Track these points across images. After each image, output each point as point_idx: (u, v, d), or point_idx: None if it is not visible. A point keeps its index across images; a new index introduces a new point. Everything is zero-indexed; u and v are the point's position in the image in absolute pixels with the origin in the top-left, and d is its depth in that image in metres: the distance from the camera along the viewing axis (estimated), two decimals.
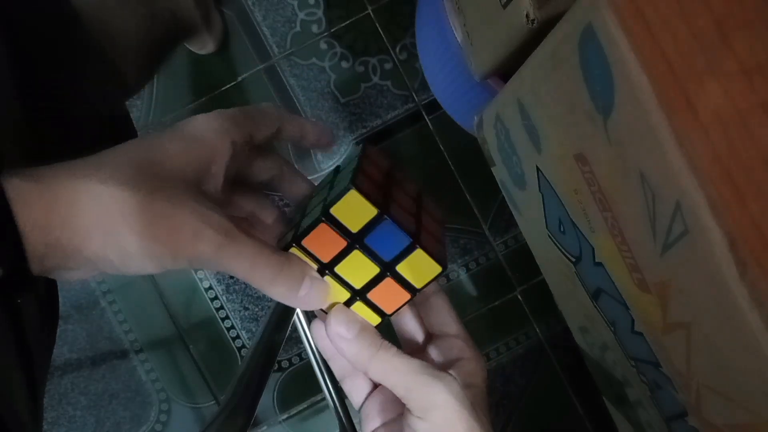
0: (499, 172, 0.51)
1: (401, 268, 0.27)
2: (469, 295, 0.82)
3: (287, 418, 0.83)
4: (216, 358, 0.82)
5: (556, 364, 0.83)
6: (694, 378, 0.30)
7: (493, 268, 0.82)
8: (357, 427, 0.53)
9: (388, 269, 0.27)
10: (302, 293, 0.26)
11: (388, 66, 0.79)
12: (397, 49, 0.79)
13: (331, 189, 0.27)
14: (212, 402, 0.83)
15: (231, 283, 0.81)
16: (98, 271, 0.23)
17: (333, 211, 0.25)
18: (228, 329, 0.82)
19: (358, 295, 0.27)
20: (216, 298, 0.82)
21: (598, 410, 0.62)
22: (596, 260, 0.36)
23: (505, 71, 0.45)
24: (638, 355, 0.37)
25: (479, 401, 0.27)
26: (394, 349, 0.27)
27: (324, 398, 0.83)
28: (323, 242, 0.26)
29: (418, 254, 0.26)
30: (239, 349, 0.83)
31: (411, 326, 0.31)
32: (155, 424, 0.84)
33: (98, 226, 0.22)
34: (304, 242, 0.26)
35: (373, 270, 0.27)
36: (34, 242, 0.21)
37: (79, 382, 0.83)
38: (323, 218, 0.25)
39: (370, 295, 0.27)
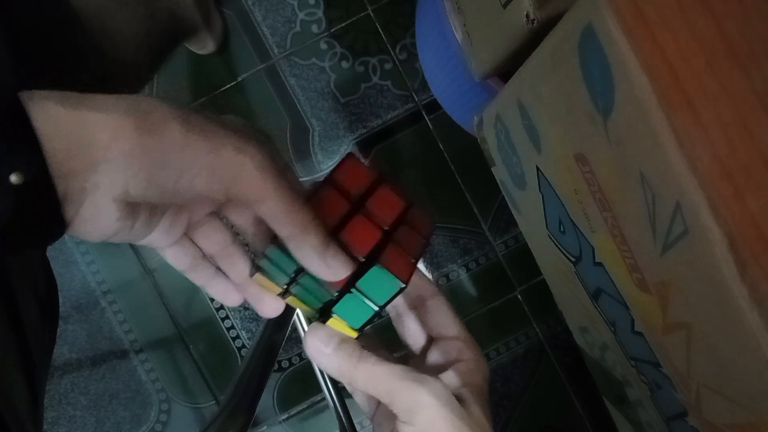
0: (499, 172, 0.51)
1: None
2: (469, 295, 0.82)
3: (287, 418, 0.83)
4: (216, 358, 0.82)
5: (556, 364, 0.83)
6: (694, 378, 0.30)
7: (493, 268, 0.82)
8: (357, 426, 0.53)
9: (350, 286, 0.26)
10: (332, 252, 0.25)
11: (388, 66, 0.79)
12: (397, 49, 0.79)
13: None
14: (212, 402, 0.83)
15: None
16: (126, 218, 0.22)
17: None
18: (228, 329, 0.82)
19: (326, 311, 0.27)
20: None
21: (598, 410, 0.62)
22: (596, 260, 0.35)
23: (505, 71, 0.45)
24: (638, 355, 0.37)
25: (479, 400, 0.27)
26: (374, 357, 0.27)
27: (324, 398, 0.83)
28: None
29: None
30: (239, 349, 0.83)
31: (412, 329, 0.31)
32: (155, 424, 0.84)
33: (113, 139, 0.20)
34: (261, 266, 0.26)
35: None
36: (53, 149, 0.19)
37: (79, 382, 0.83)
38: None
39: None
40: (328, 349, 0.27)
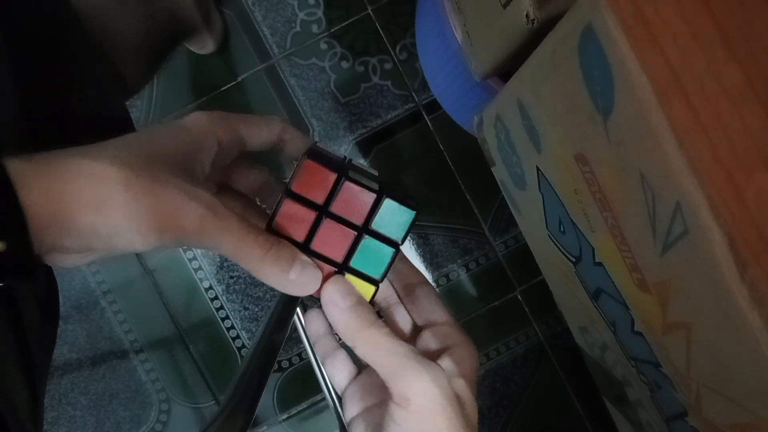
0: (499, 172, 0.51)
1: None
2: (469, 295, 0.82)
3: (287, 418, 0.83)
4: (216, 358, 0.82)
5: (556, 364, 0.83)
6: (694, 378, 0.30)
7: (493, 268, 0.82)
8: None
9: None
10: (293, 276, 0.26)
11: (388, 66, 0.79)
12: (397, 49, 0.79)
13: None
14: (212, 402, 0.83)
15: (231, 283, 0.81)
16: (92, 253, 0.24)
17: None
18: (228, 329, 0.82)
19: (343, 267, 0.27)
20: (216, 298, 0.82)
21: (598, 410, 0.62)
22: (596, 260, 0.36)
23: (505, 71, 0.45)
24: (638, 355, 0.37)
25: (471, 393, 0.27)
26: (387, 329, 0.26)
27: (324, 398, 0.83)
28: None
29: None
30: (239, 349, 0.83)
31: (399, 317, 0.31)
32: (155, 424, 0.84)
33: (90, 199, 0.22)
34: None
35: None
36: (33, 215, 0.21)
37: (79, 382, 0.83)
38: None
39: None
40: (344, 303, 0.27)
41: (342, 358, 0.32)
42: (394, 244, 0.27)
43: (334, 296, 0.27)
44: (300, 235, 0.27)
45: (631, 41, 0.23)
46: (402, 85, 0.80)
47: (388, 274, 0.28)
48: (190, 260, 0.81)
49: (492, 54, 0.45)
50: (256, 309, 0.82)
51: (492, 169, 0.53)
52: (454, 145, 0.80)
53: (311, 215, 0.26)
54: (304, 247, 0.27)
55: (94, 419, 0.83)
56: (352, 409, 0.31)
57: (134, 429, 0.84)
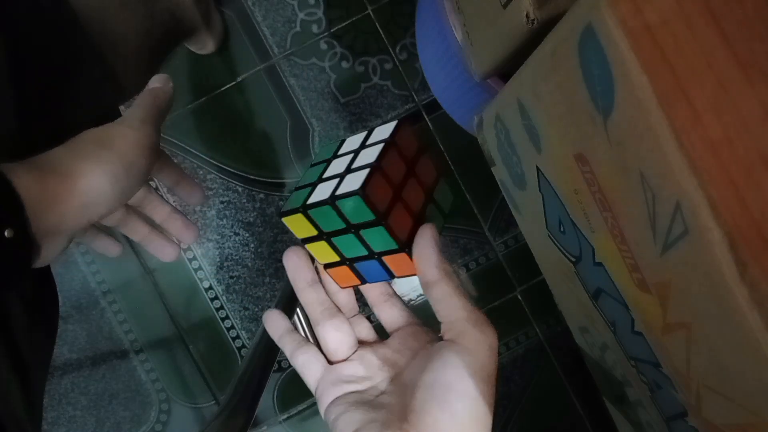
0: (499, 172, 0.51)
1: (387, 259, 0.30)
2: (469, 295, 0.82)
3: (287, 418, 0.83)
4: (216, 358, 0.82)
5: (556, 364, 0.83)
6: (694, 378, 0.30)
7: (493, 268, 0.82)
8: None
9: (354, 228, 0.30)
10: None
11: (388, 66, 0.79)
12: (397, 49, 0.79)
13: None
14: (212, 402, 0.83)
15: (231, 283, 0.81)
16: (85, 220, 0.28)
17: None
18: (228, 329, 0.82)
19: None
20: (216, 298, 0.82)
21: (598, 410, 0.62)
22: (596, 260, 0.35)
23: (505, 71, 0.45)
24: (638, 355, 0.37)
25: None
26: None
27: None
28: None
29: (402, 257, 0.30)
30: (239, 349, 0.83)
31: (385, 314, 0.34)
32: (155, 424, 0.84)
33: (74, 160, 0.27)
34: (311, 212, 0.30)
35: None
36: (29, 204, 0.25)
37: (79, 382, 0.83)
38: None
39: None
40: (439, 246, 0.30)
41: (313, 351, 0.33)
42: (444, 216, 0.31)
43: (435, 237, 0.30)
44: (396, 181, 0.30)
45: (631, 41, 0.23)
46: (402, 85, 0.80)
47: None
48: (190, 260, 0.81)
49: (492, 54, 0.45)
50: (256, 309, 0.82)
51: (492, 169, 0.53)
52: (454, 145, 0.80)
53: (403, 169, 0.30)
54: (398, 194, 0.30)
55: (94, 419, 0.83)
56: (329, 396, 0.32)
57: (134, 429, 0.84)
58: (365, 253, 0.30)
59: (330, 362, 0.33)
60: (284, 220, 0.30)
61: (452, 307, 0.28)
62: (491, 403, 0.27)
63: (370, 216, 0.28)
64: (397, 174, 0.30)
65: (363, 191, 0.27)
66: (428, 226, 0.29)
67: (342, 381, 0.32)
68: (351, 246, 0.30)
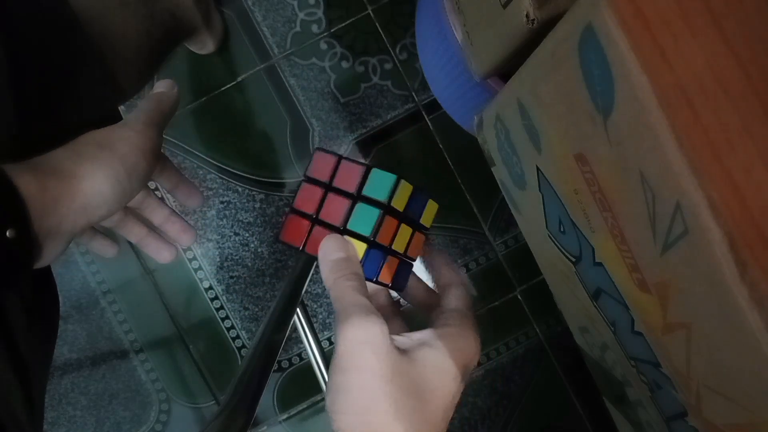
0: (499, 172, 0.51)
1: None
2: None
3: (287, 418, 0.83)
4: (216, 358, 0.82)
5: (556, 364, 0.83)
6: (694, 378, 0.30)
7: (493, 268, 0.82)
8: None
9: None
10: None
11: (388, 66, 0.79)
12: (397, 49, 0.79)
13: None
14: (212, 402, 0.83)
15: (231, 283, 0.81)
16: (86, 221, 0.28)
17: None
18: (228, 329, 0.82)
19: (344, 231, 0.33)
20: (216, 298, 0.82)
21: (598, 410, 0.62)
22: (596, 260, 0.36)
23: (505, 71, 0.45)
24: (638, 355, 0.37)
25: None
26: (356, 283, 0.31)
27: (324, 398, 0.83)
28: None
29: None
30: (239, 349, 0.83)
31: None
32: (155, 424, 0.84)
33: (72, 159, 0.28)
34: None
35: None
36: (31, 204, 0.25)
37: (79, 382, 0.83)
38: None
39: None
40: (331, 256, 0.32)
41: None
42: (382, 205, 0.32)
43: (324, 252, 0.32)
44: (312, 209, 0.33)
45: (631, 41, 0.23)
46: (402, 85, 0.80)
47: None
48: (190, 260, 0.81)
49: (492, 54, 0.45)
50: (256, 309, 0.82)
51: (492, 169, 0.53)
52: (454, 145, 0.80)
53: (319, 192, 0.33)
54: (315, 218, 0.33)
55: (94, 419, 0.83)
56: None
57: (134, 429, 0.84)
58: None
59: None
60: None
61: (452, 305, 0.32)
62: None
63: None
64: (312, 202, 0.33)
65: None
66: (323, 241, 0.32)
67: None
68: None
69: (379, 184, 0.32)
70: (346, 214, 0.32)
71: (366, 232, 0.32)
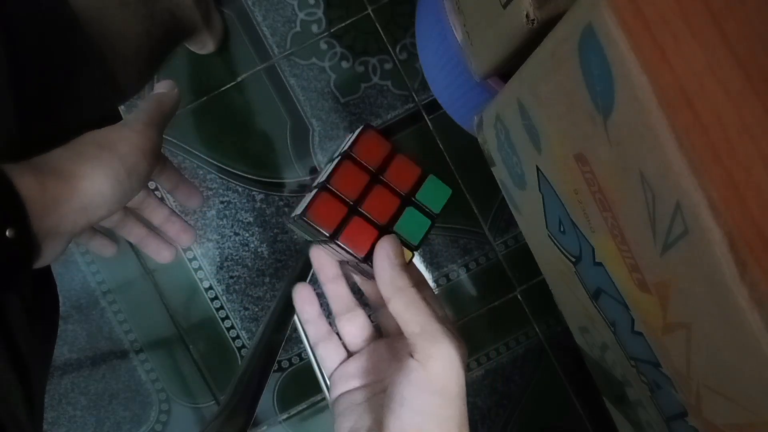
0: (499, 172, 0.51)
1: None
2: (469, 295, 0.82)
3: (287, 418, 0.83)
4: (216, 358, 0.82)
5: (556, 364, 0.83)
6: (694, 378, 0.30)
7: (493, 268, 0.82)
8: None
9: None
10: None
11: (388, 66, 0.79)
12: (397, 49, 0.79)
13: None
14: (212, 402, 0.83)
15: (231, 283, 0.81)
16: (86, 221, 0.28)
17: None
18: (228, 329, 0.82)
19: (385, 231, 0.30)
20: (216, 298, 0.82)
21: (598, 410, 0.62)
22: (596, 260, 0.36)
23: (505, 71, 0.45)
24: (638, 355, 0.37)
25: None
26: (431, 292, 0.30)
27: (324, 398, 0.83)
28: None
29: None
30: (239, 349, 0.83)
31: (357, 323, 0.36)
32: (155, 424, 0.84)
33: (73, 162, 0.28)
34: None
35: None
36: (31, 204, 0.25)
37: (79, 382, 0.83)
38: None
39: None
40: (396, 260, 0.28)
41: (335, 342, 0.35)
42: (432, 217, 0.30)
43: (389, 251, 0.28)
44: (353, 195, 0.29)
45: (631, 41, 0.23)
46: (402, 85, 0.80)
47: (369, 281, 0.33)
48: (190, 260, 0.81)
49: (492, 54, 0.45)
50: (256, 309, 0.82)
51: (492, 169, 0.53)
52: (454, 145, 0.80)
53: (364, 178, 0.30)
54: (356, 208, 0.30)
55: (94, 419, 0.83)
56: (338, 389, 0.34)
57: (134, 429, 0.84)
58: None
59: (348, 352, 0.35)
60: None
61: (405, 323, 0.28)
62: (451, 416, 0.27)
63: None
64: (354, 187, 0.30)
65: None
66: (385, 239, 0.29)
67: (350, 375, 0.34)
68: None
69: (434, 193, 0.31)
70: (395, 214, 0.30)
71: (414, 240, 0.30)
